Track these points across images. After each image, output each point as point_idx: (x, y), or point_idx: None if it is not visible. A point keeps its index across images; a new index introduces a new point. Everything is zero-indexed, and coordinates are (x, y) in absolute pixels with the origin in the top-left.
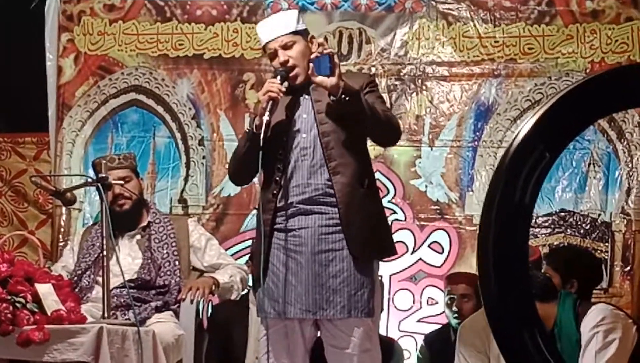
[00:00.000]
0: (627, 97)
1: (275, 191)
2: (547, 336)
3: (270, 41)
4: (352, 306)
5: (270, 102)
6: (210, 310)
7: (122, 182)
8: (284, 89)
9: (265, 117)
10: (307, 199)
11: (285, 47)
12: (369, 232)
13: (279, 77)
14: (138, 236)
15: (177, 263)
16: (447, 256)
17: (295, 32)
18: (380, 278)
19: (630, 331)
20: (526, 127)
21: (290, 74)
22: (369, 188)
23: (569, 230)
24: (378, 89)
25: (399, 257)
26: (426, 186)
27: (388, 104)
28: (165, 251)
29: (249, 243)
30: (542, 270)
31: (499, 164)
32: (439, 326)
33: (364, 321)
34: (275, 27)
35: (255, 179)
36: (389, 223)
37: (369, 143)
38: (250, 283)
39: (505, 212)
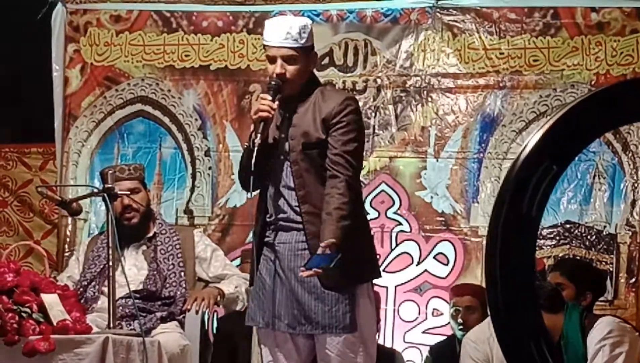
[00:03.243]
0: (634, 111)
1: (261, 206)
2: (554, 347)
3: (273, 46)
4: (326, 323)
5: (262, 123)
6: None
7: (128, 193)
8: (275, 106)
9: (257, 141)
10: (287, 218)
11: (287, 59)
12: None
13: (271, 91)
14: (144, 247)
15: (182, 274)
16: (452, 267)
17: (300, 47)
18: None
19: (637, 344)
20: (533, 140)
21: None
22: None
23: (574, 242)
24: (351, 119)
25: (405, 268)
26: (431, 198)
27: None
28: (170, 262)
29: None
30: (558, 281)
31: (506, 177)
32: (444, 337)
33: (344, 336)
34: (284, 33)
35: None
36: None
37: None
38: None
39: (513, 224)
